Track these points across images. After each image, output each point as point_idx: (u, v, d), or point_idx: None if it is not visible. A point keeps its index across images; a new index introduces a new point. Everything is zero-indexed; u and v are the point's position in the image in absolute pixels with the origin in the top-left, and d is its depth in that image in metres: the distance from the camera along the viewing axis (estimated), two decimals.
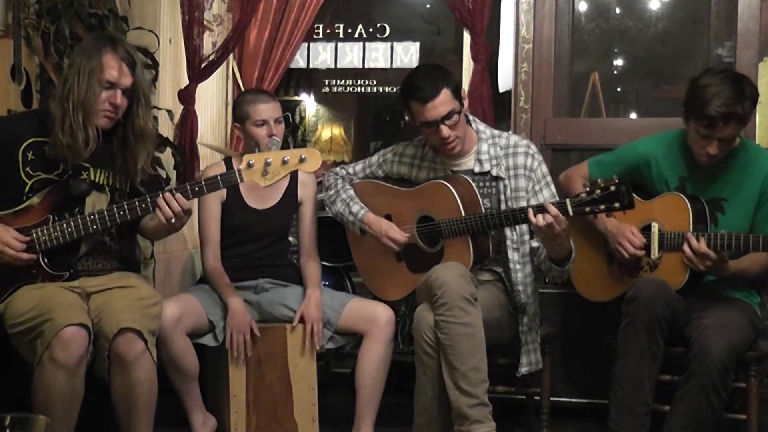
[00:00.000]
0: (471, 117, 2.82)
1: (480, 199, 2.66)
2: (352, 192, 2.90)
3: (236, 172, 2.36)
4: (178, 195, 2.36)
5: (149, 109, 2.58)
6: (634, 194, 2.37)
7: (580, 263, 2.86)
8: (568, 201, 2.41)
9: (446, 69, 2.71)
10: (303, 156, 2.35)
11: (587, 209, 2.38)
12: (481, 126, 2.80)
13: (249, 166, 2.34)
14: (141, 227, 2.62)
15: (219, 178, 2.39)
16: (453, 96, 2.60)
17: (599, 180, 2.37)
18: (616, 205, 2.35)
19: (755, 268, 2.64)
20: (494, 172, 2.70)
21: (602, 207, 2.36)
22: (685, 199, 2.64)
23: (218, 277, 2.81)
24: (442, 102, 2.58)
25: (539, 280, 2.81)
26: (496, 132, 2.79)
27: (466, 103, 2.70)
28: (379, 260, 2.88)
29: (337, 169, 3.02)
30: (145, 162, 2.53)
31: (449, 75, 2.67)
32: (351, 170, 2.99)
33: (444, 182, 2.67)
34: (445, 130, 2.60)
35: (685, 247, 2.52)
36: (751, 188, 2.65)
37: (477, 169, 2.72)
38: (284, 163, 2.35)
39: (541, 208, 2.43)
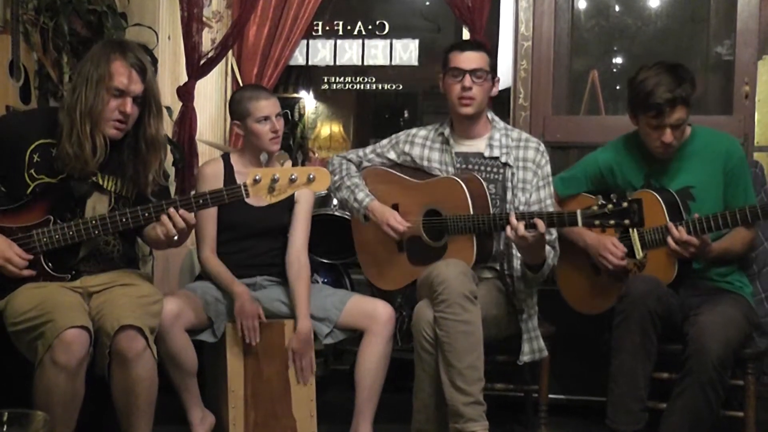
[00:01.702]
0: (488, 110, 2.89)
1: (490, 202, 2.67)
2: (357, 179, 2.91)
3: (242, 187, 2.34)
4: (183, 210, 2.31)
5: (161, 117, 2.51)
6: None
7: (569, 280, 2.90)
8: (578, 212, 2.41)
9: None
10: (312, 175, 2.34)
11: (597, 222, 2.39)
12: (496, 117, 2.87)
13: (255, 181, 2.33)
14: (144, 234, 2.57)
15: (224, 192, 2.37)
16: (488, 64, 2.77)
17: (612, 195, 2.39)
18: (626, 222, 2.36)
19: (738, 245, 2.67)
20: (503, 159, 2.75)
21: (612, 222, 2.37)
22: (654, 194, 2.66)
23: (215, 266, 2.79)
24: (478, 58, 2.74)
25: None
26: (509, 126, 2.87)
27: (495, 89, 2.82)
28: (380, 248, 2.88)
29: (344, 153, 3.02)
30: (156, 172, 2.49)
31: (491, 52, 2.87)
32: (361, 153, 3.00)
33: (456, 178, 2.69)
34: (468, 80, 2.70)
35: (668, 239, 2.55)
36: (714, 171, 2.69)
37: (487, 153, 2.77)
38: (292, 181, 2.33)
39: (522, 216, 2.46)
